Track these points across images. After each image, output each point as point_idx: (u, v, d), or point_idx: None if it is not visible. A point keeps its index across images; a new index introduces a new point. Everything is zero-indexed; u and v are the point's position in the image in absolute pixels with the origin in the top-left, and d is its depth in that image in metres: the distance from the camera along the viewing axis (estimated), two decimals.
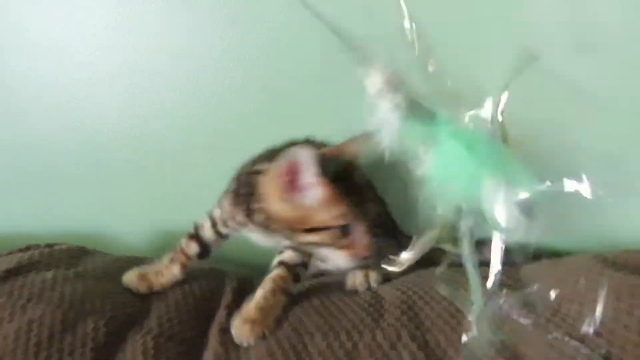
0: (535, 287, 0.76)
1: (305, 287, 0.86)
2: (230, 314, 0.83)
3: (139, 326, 0.78)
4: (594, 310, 0.67)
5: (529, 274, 0.84)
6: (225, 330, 0.78)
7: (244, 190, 0.79)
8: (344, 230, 0.70)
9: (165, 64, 1.09)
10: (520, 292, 0.67)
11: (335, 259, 0.73)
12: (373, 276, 0.85)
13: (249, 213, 0.77)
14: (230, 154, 0.91)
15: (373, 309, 0.76)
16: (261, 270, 1.03)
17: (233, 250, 1.17)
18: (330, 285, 0.87)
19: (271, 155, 0.77)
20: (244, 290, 0.92)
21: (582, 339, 0.62)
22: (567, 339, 0.62)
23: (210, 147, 1.14)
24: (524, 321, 0.67)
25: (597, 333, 0.63)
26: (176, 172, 1.17)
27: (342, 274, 0.87)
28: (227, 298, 0.88)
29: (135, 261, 0.96)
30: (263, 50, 1.03)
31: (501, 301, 0.65)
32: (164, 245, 1.22)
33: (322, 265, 0.82)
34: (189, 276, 0.92)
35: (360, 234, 0.70)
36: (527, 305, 0.71)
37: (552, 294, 0.71)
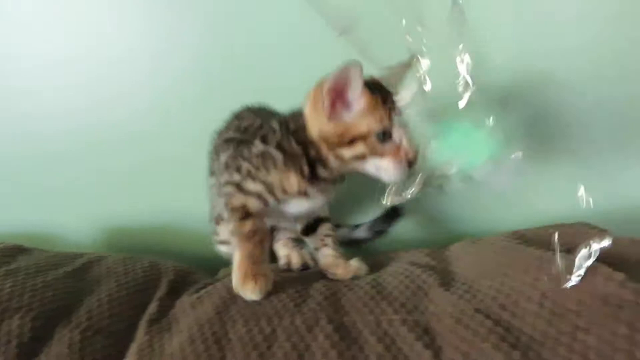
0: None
1: None
2: (162, 305, 0.84)
3: (67, 320, 0.78)
4: (502, 284, 0.70)
5: (454, 253, 0.87)
6: (153, 321, 0.79)
7: (290, 143, 0.78)
8: (385, 136, 0.72)
9: (120, 54, 1.09)
10: None
11: (385, 168, 0.73)
12: (353, 267, 0.87)
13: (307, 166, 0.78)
14: (170, 146, 0.91)
15: (298, 294, 0.77)
16: (202, 263, 1.05)
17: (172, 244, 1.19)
18: None
19: (250, 113, 0.90)
20: (180, 282, 0.93)
21: (488, 314, 0.64)
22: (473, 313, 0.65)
23: (154, 139, 1.14)
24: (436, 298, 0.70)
25: (501, 306, 0.65)
26: (121, 165, 1.17)
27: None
28: (161, 290, 0.89)
29: (72, 256, 0.96)
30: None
31: None
32: (109, 240, 1.23)
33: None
34: (126, 269, 0.93)
35: (402, 138, 0.73)
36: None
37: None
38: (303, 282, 0.82)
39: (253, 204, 0.79)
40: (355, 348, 0.64)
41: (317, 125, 0.75)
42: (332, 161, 0.77)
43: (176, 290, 0.90)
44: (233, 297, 0.78)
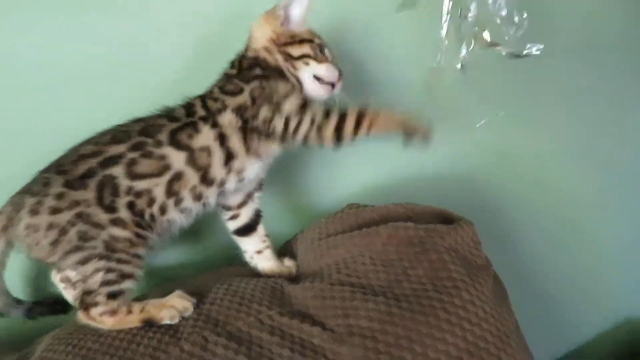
0: None
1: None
2: None
3: None
4: (337, 261, 0.85)
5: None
6: None
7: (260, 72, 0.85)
8: (322, 50, 0.88)
9: None
10: None
11: (321, 74, 0.87)
12: (290, 263, 0.94)
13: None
14: None
15: (167, 329, 0.74)
16: None
17: None
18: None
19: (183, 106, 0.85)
20: None
21: (342, 282, 0.79)
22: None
23: None
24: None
25: (346, 274, 0.81)
26: None
27: None
28: None
29: None
30: None
31: None
32: None
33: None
34: None
35: (332, 57, 0.90)
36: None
37: None
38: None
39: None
40: (256, 347, 0.69)
41: (268, 31, 0.87)
42: (283, 64, 0.86)
43: None
44: (79, 354, 0.70)
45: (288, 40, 0.88)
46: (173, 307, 0.78)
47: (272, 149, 0.85)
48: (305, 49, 0.88)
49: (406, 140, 0.84)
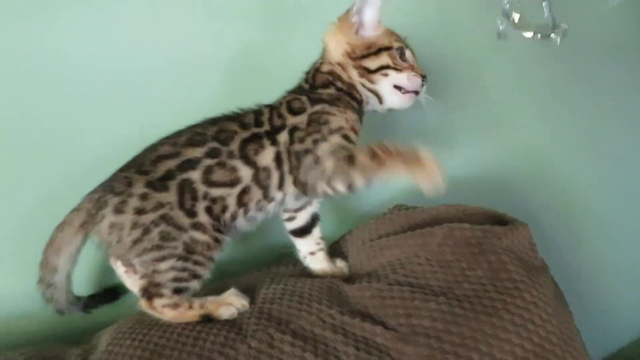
0: None
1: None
2: None
3: None
4: (392, 262, 0.86)
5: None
6: None
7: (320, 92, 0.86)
8: (402, 54, 0.87)
9: None
10: None
11: (402, 83, 0.85)
12: (342, 264, 0.94)
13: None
14: None
15: (230, 326, 0.76)
16: None
17: None
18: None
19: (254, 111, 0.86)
20: None
21: (399, 282, 0.80)
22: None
23: None
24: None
25: (403, 275, 0.81)
26: None
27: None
28: None
29: None
30: None
31: None
32: None
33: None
34: None
35: (414, 60, 0.89)
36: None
37: None
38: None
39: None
40: (321, 345, 0.70)
41: (343, 43, 0.86)
42: (357, 80, 0.86)
43: None
44: (147, 348, 0.72)
45: (364, 53, 0.86)
46: (231, 305, 0.80)
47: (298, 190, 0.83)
48: (384, 59, 0.85)
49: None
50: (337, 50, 0.87)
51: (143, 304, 0.79)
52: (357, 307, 0.78)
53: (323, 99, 0.84)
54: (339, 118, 0.82)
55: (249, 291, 0.84)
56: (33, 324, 0.93)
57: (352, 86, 0.86)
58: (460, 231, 0.85)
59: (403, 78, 0.85)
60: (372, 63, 0.85)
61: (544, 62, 1.30)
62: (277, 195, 0.83)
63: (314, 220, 0.95)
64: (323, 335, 0.72)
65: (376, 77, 0.85)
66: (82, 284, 0.95)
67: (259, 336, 0.72)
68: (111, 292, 0.95)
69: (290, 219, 0.95)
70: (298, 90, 0.87)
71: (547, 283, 0.80)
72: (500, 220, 0.91)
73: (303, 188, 0.81)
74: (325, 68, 0.87)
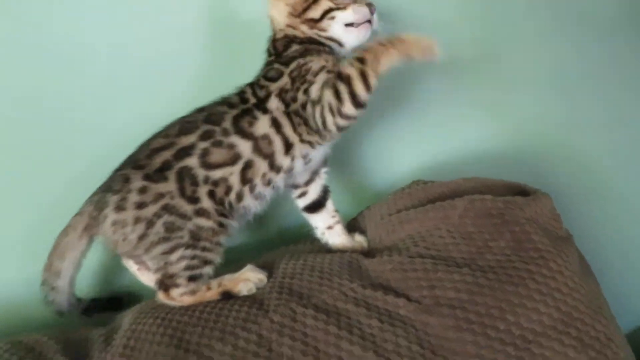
0: None
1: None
2: None
3: None
4: (412, 235, 0.85)
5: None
6: None
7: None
8: None
9: None
10: None
11: (351, 18, 0.83)
12: (360, 238, 0.94)
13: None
14: None
15: (252, 301, 0.76)
16: None
17: None
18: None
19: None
20: (70, 349, 0.77)
21: (422, 255, 0.78)
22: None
23: None
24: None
25: (425, 247, 0.80)
26: None
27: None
28: None
29: None
30: None
31: None
32: None
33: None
34: None
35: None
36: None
37: None
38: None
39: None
40: (344, 319, 0.69)
41: (283, 7, 0.84)
42: (311, 33, 0.84)
43: (77, 356, 0.75)
44: (169, 326, 0.73)
45: (304, 6, 0.84)
46: (249, 280, 0.80)
47: (316, 139, 0.83)
48: (324, 3, 0.84)
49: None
50: (281, 15, 0.86)
51: (161, 296, 0.79)
52: (379, 281, 0.77)
53: (294, 56, 0.83)
54: (317, 62, 0.81)
55: (267, 268, 0.84)
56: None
57: (311, 39, 0.85)
58: (481, 202, 0.83)
59: (349, 14, 0.83)
60: (315, 12, 0.84)
61: (565, 32, 1.27)
62: (285, 162, 0.82)
63: (325, 192, 0.94)
64: (345, 308, 0.71)
65: (325, 23, 0.84)
66: (88, 285, 0.96)
67: (281, 311, 0.71)
68: (116, 301, 0.95)
69: (302, 195, 0.94)
70: (268, 64, 0.86)
71: (572, 252, 0.78)
72: (522, 192, 0.89)
73: (319, 135, 0.81)
74: (279, 35, 0.86)
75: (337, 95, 0.76)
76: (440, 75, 1.17)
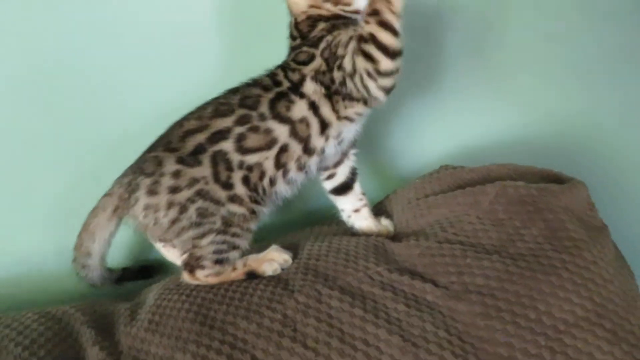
0: None
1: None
2: (104, 347, 0.70)
3: None
4: (440, 221, 0.83)
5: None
6: None
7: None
8: None
9: None
10: None
11: None
12: (386, 222, 0.92)
13: None
14: None
15: (277, 281, 0.75)
16: None
17: None
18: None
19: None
20: (98, 319, 0.78)
21: (450, 240, 0.77)
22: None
23: None
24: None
25: (454, 233, 0.79)
26: None
27: None
28: (85, 335, 0.73)
29: None
30: None
31: None
32: None
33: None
34: (16, 330, 0.72)
35: None
36: None
37: None
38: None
39: None
40: (370, 302, 0.68)
41: None
42: (336, 10, 0.81)
43: (103, 328, 0.75)
44: (194, 303, 0.73)
45: None
46: (273, 260, 0.80)
47: (359, 110, 0.81)
48: None
49: None
50: (300, 2, 0.83)
51: (186, 277, 0.79)
52: (405, 265, 0.75)
53: (321, 36, 0.80)
54: (345, 34, 0.78)
55: (291, 248, 0.83)
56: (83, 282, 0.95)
57: (337, 15, 0.82)
58: (514, 189, 0.81)
59: None
60: None
61: (590, 17, 1.22)
62: (319, 143, 0.80)
63: (353, 174, 0.92)
64: (371, 292, 0.70)
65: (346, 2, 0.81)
66: (119, 256, 0.97)
67: (307, 291, 0.71)
68: (146, 270, 0.96)
69: (330, 177, 0.92)
70: (294, 48, 0.83)
71: (607, 243, 0.76)
72: (556, 180, 0.86)
73: (365, 103, 0.78)
74: (301, 18, 0.83)
75: (369, 57, 0.73)
76: (467, 61, 1.14)
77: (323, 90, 0.79)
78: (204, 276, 0.78)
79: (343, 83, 0.77)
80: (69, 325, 0.76)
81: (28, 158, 0.93)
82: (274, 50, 0.84)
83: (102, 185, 0.81)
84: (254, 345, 0.64)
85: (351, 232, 0.92)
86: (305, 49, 0.81)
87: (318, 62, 0.79)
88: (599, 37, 1.23)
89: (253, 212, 0.78)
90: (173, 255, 0.86)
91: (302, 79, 0.79)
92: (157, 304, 0.77)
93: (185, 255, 0.79)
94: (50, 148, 0.94)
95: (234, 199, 0.76)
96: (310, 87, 0.79)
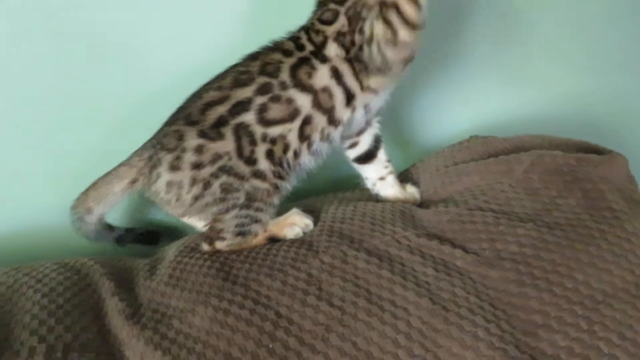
0: None
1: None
2: (124, 299, 0.68)
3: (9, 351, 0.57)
4: (471, 188, 0.80)
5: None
6: (132, 316, 0.65)
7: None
8: None
9: None
10: None
11: None
12: (412, 189, 0.90)
13: None
14: None
15: (300, 243, 0.73)
16: None
17: None
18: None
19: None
20: (116, 272, 0.77)
21: (481, 208, 0.74)
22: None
23: None
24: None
25: (485, 201, 0.76)
26: None
27: None
28: (105, 285, 0.72)
29: None
30: None
31: None
32: None
33: None
34: (36, 279, 0.71)
35: None
36: None
37: None
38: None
39: None
40: (397, 265, 0.66)
41: None
42: None
43: (122, 280, 0.74)
44: (217, 260, 0.72)
45: None
46: (295, 224, 0.77)
47: (380, 81, 0.76)
48: None
49: None
50: None
51: (205, 247, 0.77)
52: (434, 231, 0.73)
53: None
54: None
55: (313, 213, 0.81)
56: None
57: None
58: (550, 158, 0.77)
59: None
60: None
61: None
62: (345, 114, 0.77)
63: (377, 142, 0.89)
64: (399, 255, 0.68)
65: None
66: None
67: (332, 252, 0.69)
68: (152, 235, 0.93)
69: (354, 146, 0.88)
70: (321, 5, 0.78)
71: None
72: (594, 151, 0.82)
73: (383, 73, 0.74)
74: None
75: (389, 24, 0.70)
76: (493, 36, 1.10)
77: (343, 54, 0.74)
78: (225, 246, 0.76)
79: (361, 48, 0.73)
80: (88, 276, 0.75)
81: (51, 117, 0.91)
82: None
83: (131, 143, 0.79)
84: (278, 302, 0.62)
85: (376, 200, 0.90)
86: (331, 6, 0.76)
87: (341, 22, 0.75)
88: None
89: (276, 187, 0.76)
90: (193, 221, 0.84)
91: (325, 41, 0.75)
92: (177, 260, 0.75)
93: (206, 229, 0.77)
94: (76, 108, 0.91)
95: (257, 174, 0.74)
96: (333, 50, 0.75)
